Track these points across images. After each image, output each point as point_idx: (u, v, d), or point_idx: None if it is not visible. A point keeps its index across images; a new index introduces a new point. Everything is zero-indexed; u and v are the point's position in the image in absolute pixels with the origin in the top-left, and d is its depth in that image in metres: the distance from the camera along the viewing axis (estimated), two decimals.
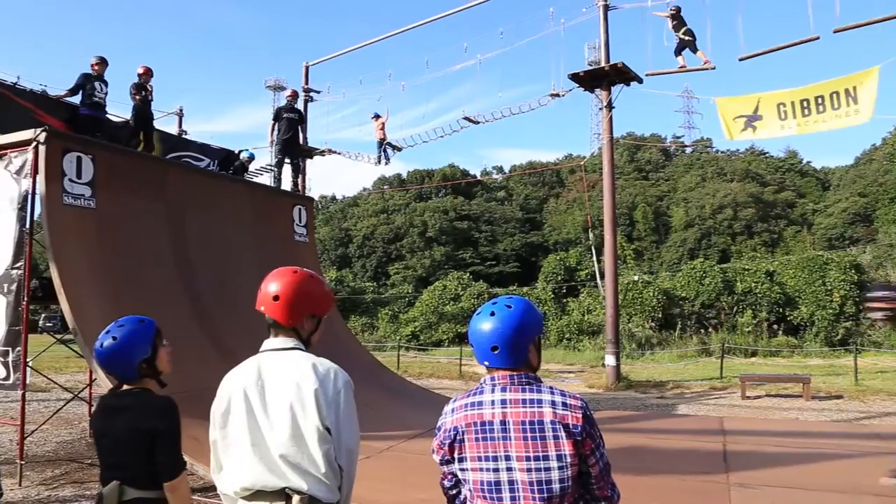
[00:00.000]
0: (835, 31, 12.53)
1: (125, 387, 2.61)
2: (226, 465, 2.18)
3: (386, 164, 19.08)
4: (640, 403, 12.80)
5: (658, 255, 49.38)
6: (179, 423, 2.59)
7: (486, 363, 2.03)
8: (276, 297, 2.20)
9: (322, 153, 20.15)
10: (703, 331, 27.32)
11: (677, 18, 14.77)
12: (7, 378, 6.90)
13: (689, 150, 64.44)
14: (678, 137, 64.49)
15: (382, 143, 18.48)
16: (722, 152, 61.78)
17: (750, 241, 46.19)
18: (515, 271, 51.28)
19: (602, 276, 17.32)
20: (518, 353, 2.01)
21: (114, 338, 2.56)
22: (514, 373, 2.01)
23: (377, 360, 12.26)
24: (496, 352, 2.00)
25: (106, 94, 9.76)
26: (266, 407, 2.11)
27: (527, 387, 2.00)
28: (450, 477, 2.11)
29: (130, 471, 2.49)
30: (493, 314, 2.03)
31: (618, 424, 9.16)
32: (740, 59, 13.99)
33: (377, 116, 18.42)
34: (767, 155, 59.87)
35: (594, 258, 19.21)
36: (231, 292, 9.27)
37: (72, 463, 7.66)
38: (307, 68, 20.26)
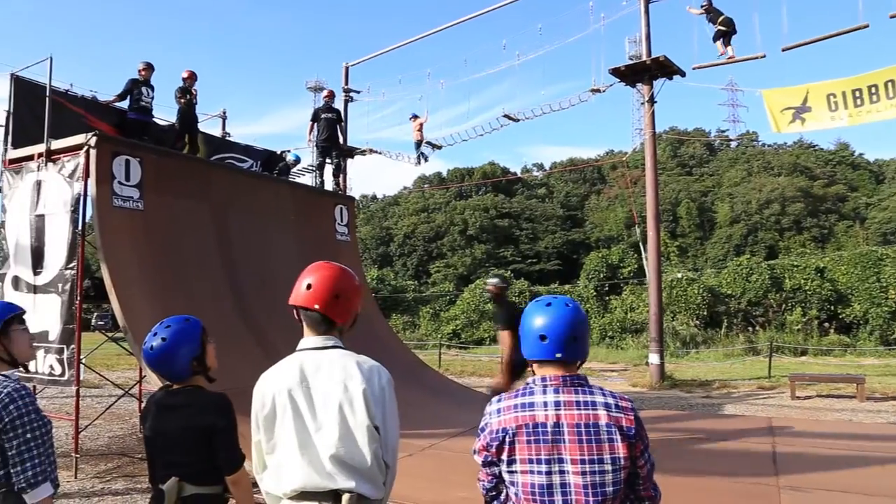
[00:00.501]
0: (891, 17, 12.06)
1: (175, 385, 2.65)
2: (271, 466, 2.19)
3: (425, 162, 19.22)
4: (686, 403, 12.56)
5: (703, 251, 48.41)
6: (235, 417, 2.61)
7: (559, 355, 1.97)
8: (337, 296, 2.19)
9: (363, 153, 20.32)
10: (749, 329, 26.71)
11: (711, 11, 14.56)
12: (63, 374, 7.14)
13: (734, 144, 63.00)
14: (723, 131, 63.17)
15: (420, 144, 18.60)
16: (768, 146, 60.24)
17: (799, 236, 44.89)
18: (557, 269, 50.88)
19: (645, 274, 17.05)
20: (586, 347, 2.02)
21: (162, 339, 2.58)
22: (567, 373, 1.99)
23: (419, 359, 12.29)
24: (575, 343, 1.97)
25: (152, 98, 9.99)
26: (313, 408, 2.11)
27: (579, 388, 1.97)
28: (490, 479, 2.06)
29: (187, 468, 2.52)
30: (567, 304, 2.00)
31: (663, 424, 9.00)
32: (784, 50, 13.60)
33: (415, 117, 18.54)
34: (817, 148, 58.11)
35: (643, 254, 18.92)
36: (273, 291, 9.39)
37: (123, 457, 7.88)
38: (347, 69, 20.41)
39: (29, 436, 2.50)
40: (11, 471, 2.49)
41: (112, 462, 7.67)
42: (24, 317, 2.83)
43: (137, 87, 9.79)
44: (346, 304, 2.22)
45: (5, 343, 2.67)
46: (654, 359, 15.20)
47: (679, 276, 29.46)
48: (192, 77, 10.61)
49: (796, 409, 11.70)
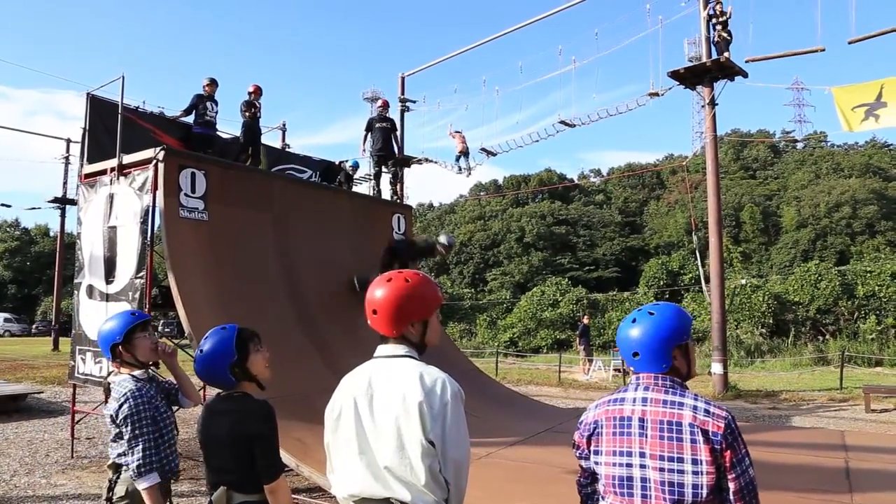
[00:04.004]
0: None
1: (224, 392, 2.71)
2: (336, 469, 2.22)
3: (468, 175, 19.91)
4: (751, 414, 12.16)
5: (767, 257, 46.79)
6: (277, 427, 2.66)
7: (632, 369, 2.13)
8: (374, 312, 2.19)
9: (419, 161, 20.56)
10: (819, 338, 25.66)
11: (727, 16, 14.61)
12: None
13: (800, 145, 60.76)
14: (788, 132, 61.00)
15: (462, 155, 19.28)
16: (838, 146, 57.90)
17: (872, 241, 42.83)
18: (615, 276, 50.08)
19: (707, 281, 16.60)
20: (659, 359, 2.06)
21: (201, 350, 2.69)
22: (660, 375, 2.07)
23: (476, 367, 12.26)
24: (637, 358, 2.08)
25: (216, 112, 10.31)
26: (374, 417, 2.12)
27: (670, 389, 2.04)
28: (585, 474, 2.19)
29: (235, 475, 2.56)
30: (634, 321, 2.12)
31: None
32: (850, 43, 13.03)
33: (458, 131, 19.26)
34: (892, 147, 55.52)
35: (698, 261, 18.49)
36: (334, 299, 9.56)
37: (188, 460, 8.12)
38: (403, 79, 20.64)
39: (137, 431, 2.92)
40: (126, 458, 2.93)
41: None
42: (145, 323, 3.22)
43: (202, 102, 10.12)
44: (391, 318, 2.17)
45: (130, 349, 3.09)
46: (716, 368, 14.77)
47: (743, 282, 28.56)
48: (258, 91, 10.89)
49: (871, 422, 11.17)
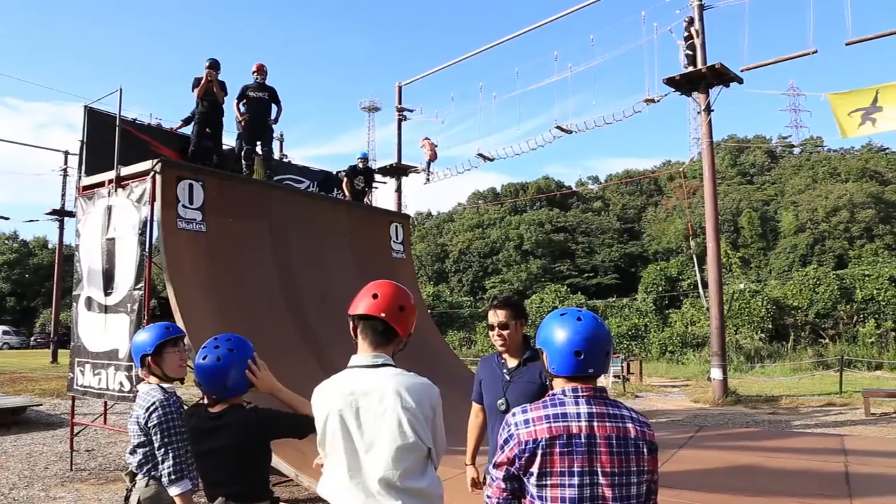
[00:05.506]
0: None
1: (218, 406, 2.62)
2: (326, 480, 2.21)
3: (427, 183, 20.50)
4: (751, 419, 12.15)
5: (766, 262, 46.89)
6: (279, 420, 2.65)
7: (592, 371, 1.96)
8: (401, 307, 2.19)
9: (417, 171, 20.72)
10: (819, 342, 25.67)
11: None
12: (130, 391, 7.42)
13: (796, 150, 60.95)
14: (785, 137, 61.19)
15: (430, 163, 19.89)
16: (834, 151, 58.14)
17: (870, 245, 42.95)
18: (614, 283, 50.14)
19: (705, 286, 16.62)
20: (608, 362, 2.05)
21: (230, 350, 2.59)
22: (594, 386, 1.99)
23: (474, 374, 12.25)
24: (606, 358, 2.01)
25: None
26: (363, 430, 2.10)
27: (607, 401, 1.98)
28: (506, 495, 1.97)
29: (234, 487, 2.56)
30: (596, 319, 2.02)
31: (727, 442, 8.72)
32: (847, 44, 13.07)
33: (427, 138, 19.74)
34: (888, 151, 55.71)
35: (696, 267, 18.52)
36: (332, 308, 9.56)
37: None
38: (400, 88, 20.74)
39: (167, 440, 2.97)
40: (159, 466, 2.98)
41: None
42: (178, 339, 3.24)
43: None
44: (409, 318, 2.22)
45: (159, 362, 3.13)
46: (716, 374, 14.76)
47: (741, 287, 28.59)
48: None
49: (871, 426, 11.16)
